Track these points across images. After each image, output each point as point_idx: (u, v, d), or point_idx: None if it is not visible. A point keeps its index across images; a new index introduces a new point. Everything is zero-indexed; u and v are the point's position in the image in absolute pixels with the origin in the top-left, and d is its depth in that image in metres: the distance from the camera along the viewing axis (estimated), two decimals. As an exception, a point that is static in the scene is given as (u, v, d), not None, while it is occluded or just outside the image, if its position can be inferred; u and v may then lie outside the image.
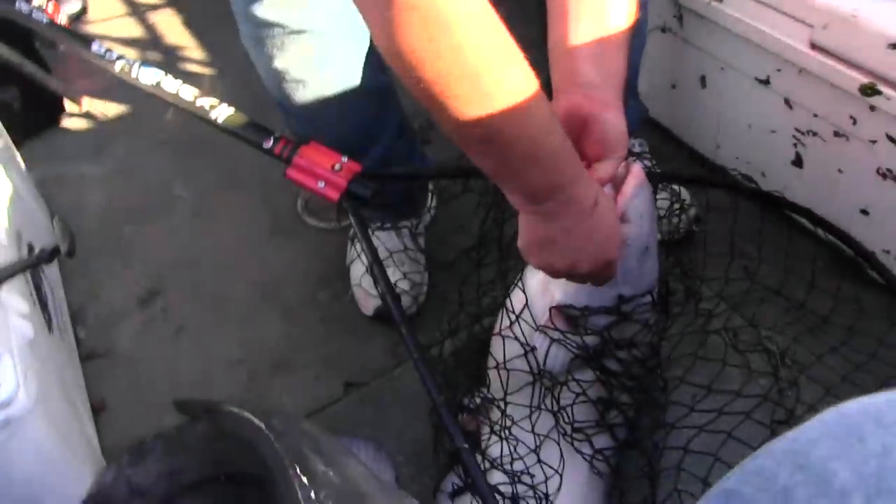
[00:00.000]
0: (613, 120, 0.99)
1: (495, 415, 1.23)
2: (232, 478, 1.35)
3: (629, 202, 1.04)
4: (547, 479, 1.15)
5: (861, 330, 1.43)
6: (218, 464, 1.33)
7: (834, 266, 1.54)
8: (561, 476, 1.15)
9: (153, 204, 1.91)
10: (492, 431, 1.22)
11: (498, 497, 1.02)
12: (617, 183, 1.05)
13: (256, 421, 1.23)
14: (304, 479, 1.12)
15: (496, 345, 1.23)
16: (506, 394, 1.25)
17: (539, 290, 1.16)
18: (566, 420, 1.17)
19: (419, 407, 1.42)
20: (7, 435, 1.10)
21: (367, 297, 1.54)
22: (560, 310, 1.13)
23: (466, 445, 1.05)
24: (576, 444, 1.19)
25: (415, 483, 1.32)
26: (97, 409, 1.49)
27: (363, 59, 1.34)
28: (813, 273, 1.49)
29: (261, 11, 1.22)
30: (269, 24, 1.24)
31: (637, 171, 1.06)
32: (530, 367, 1.18)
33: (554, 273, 1.00)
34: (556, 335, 1.13)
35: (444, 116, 0.78)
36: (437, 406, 1.09)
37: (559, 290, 1.13)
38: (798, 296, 1.50)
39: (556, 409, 1.18)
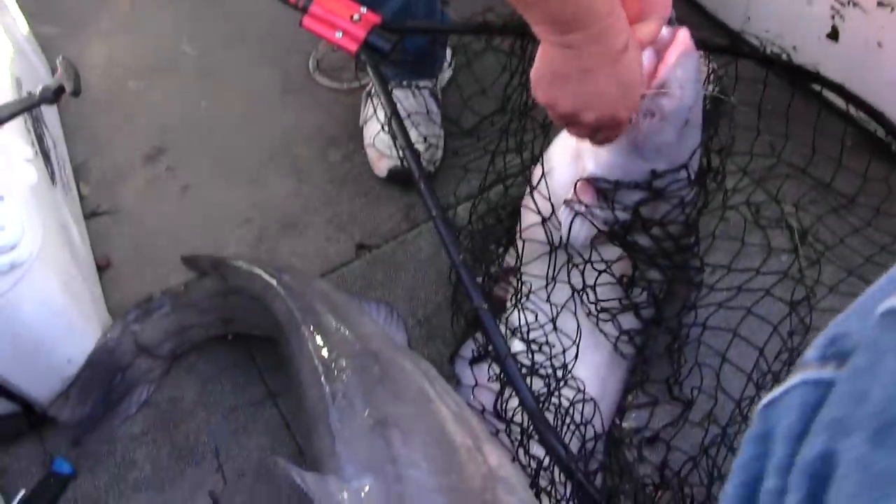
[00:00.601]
0: None
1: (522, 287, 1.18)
2: (240, 337, 1.32)
3: (671, 71, 0.95)
4: (565, 350, 1.11)
5: (888, 210, 1.39)
6: (226, 322, 1.29)
7: (863, 145, 1.46)
8: (578, 346, 1.11)
9: (159, 60, 1.80)
10: (513, 301, 1.17)
11: (515, 362, 0.97)
12: (659, 48, 0.96)
13: (267, 276, 1.18)
14: (317, 336, 1.08)
15: (523, 214, 1.18)
16: (520, 263, 1.20)
17: (569, 160, 1.09)
18: (590, 299, 1.12)
19: (433, 271, 1.37)
20: (13, 281, 1.04)
21: (381, 158, 1.47)
22: (590, 182, 1.06)
23: (486, 306, 1.00)
24: (600, 323, 1.15)
25: (426, 347, 1.29)
26: (101, 267, 1.44)
27: None
28: (841, 151, 1.42)
29: None
30: None
31: (683, 36, 0.96)
32: (549, 239, 1.13)
33: (555, 114, 0.91)
34: (581, 208, 1.07)
35: None
36: (455, 265, 1.03)
37: (591, 161, 1.06)
38: (824, 175, 1.43)
39: (581, 286, 1.13)
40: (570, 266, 1.13)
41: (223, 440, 1.22)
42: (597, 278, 1.12)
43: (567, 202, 1.08)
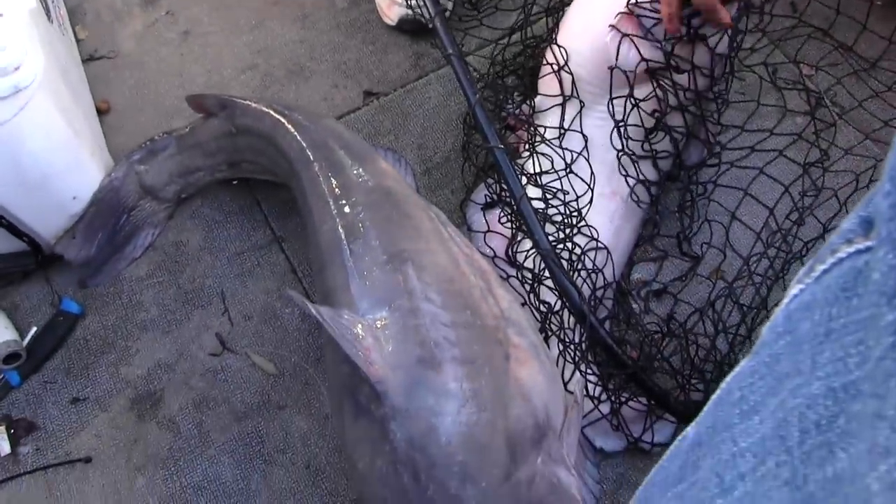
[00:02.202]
0: None
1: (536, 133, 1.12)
2: (245, 182, 1.26)
3: None
4: (578, 197, 1.06)
5: (911, 73, 1.32)
6: (232, 166, 1.23)
7: (891, 8, 1.38)
8: (592, 191, 1.06)
9: None
10: (528, 148, 1.11)
11: (528, 203, 0.92)
12: None
13: (276, 114, 1.11)
14: (329, 171, 1.02)
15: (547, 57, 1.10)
16: (533, 108, 1.13)
17: None
18: (622, 134, 1.07)
19: (441, 119, 1.31)
20: (17, 107, 0.98)
21: (391, 6, 1.37)
22: (632, 13, 0.99)
23: (501, 145, 0.94)
24: (620, 169, 1.09)
25: (434, 195, 1.24)
26: (101, 111, 1.36)
27: None
28: (867, 14, 1.33)
29: None
30: None
31: None
32: (571, 82, 1.06)
33: None
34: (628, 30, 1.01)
35: None
36: (471, 103, 0.96)
37: None
38: (847, 38, 1.34)
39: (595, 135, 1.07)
40: (582, 114, 1.07)
41: (229, 284, 1.18)
42: (628, 114, 1.05)
43: (613, 26, 1.02)
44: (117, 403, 1.10)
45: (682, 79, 1.06)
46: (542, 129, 1.11)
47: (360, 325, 0.82)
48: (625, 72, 1.03)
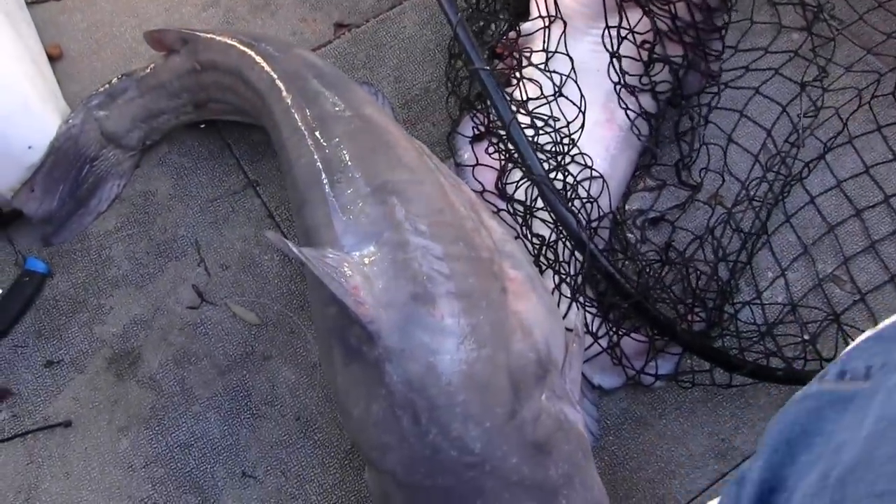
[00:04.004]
0: None
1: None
2: (214, 125, 1.20)
3: None
4: (569, 122, 1.00)
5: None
6: (199, 106, 1.16)
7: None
8: (584, 115, 1.01)
9: None
10: (516, 75, 1.05)
11: (518, 127, 0.88)
12: None
13: (241, 45, 1.04)
14: (303, 102, 0.96)
15: None
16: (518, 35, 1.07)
17: None
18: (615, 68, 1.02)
19: (418, 50, 1.25)
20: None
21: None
22: None
23: (487, 67, 0.88)
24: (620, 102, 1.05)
25: (415, 129, 1.18)
26: (53, 57, 1.28)
27: None
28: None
29: None
30: None
31: None
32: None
33: None
34: None
35: None
36: (452, 24, 0.91)
37: None
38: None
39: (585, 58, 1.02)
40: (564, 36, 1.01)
41: (203, 233, 1.13)
42: (619, 45, 1.00)
43: None
44: (94, 364, 1.05)
45: (681, 7, 1.01)
46: (529, 53, 1.06)
47: (346, 263, 0.78)
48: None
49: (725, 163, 1.15)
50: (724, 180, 1.13)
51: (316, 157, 0.89)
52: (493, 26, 1.17)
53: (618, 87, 1.03)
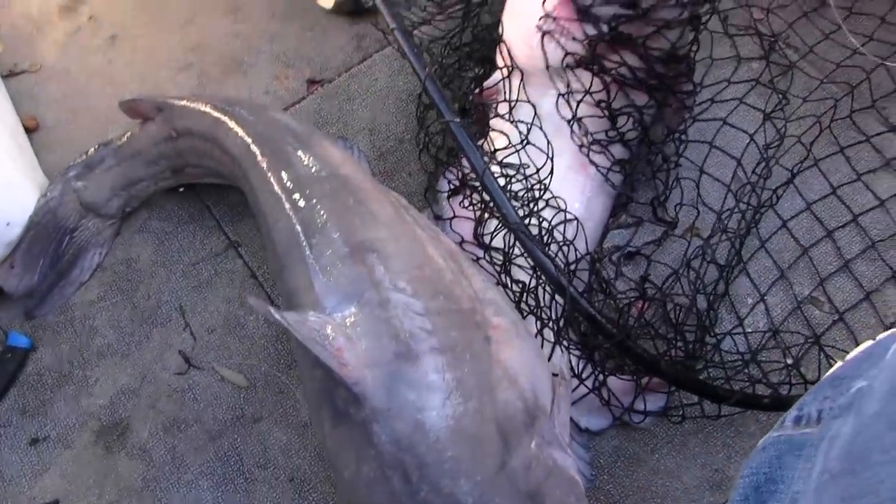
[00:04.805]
0: None
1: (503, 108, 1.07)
2: (193, 189, 1.20)
3: None
4: (538, 169, 1.01)
5: (860, 10, 1.29)
6: (176, 172, 1.16)
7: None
8: (552, 160, 1.01)
9: None
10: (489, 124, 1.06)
11: (491, 176, 0.88)
12: None
13: (215, 111, 1.04)
14: (279, 165, 0.96)
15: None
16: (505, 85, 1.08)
17: None
18: (580, 131, 1.03)
19: (390, 101, 1.26)
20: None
21: (326, -12, 1.31)
22: None
23: (457, 119, 0.89)
24: (590, 154, 1.06)
25: (391, 181, 1.18)
26: (30, 129, 1.29)
27: None
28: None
29: None
30: None
31: None
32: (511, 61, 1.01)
33: None
34: (552, 26, 0.96)
35: None
36: (422, 79, 0.91)
37: None
38: (794, -23, 1.32)
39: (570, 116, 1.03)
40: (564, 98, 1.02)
41: (187, 297, 1.12)
42: (576, 109, 1.01)
43: (540, 21, 0.97)
44: (81, 438, 1.03)
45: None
46: (496, 105, 1.07)
47: (328, 326, 0.77)
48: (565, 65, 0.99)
49: (699, 194, 1.16)
50: (698, 212, 1.14)
51: (293, 220, 0.88)
52: (464, 75, 1.18)
53: (582, 149, 1.04)
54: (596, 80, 1.01)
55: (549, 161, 1.01)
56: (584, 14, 0.97)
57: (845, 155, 1.20)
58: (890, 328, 1.08)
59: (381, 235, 0.86)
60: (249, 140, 0.98)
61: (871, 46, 1.26)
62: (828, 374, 0.54)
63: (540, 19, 0.98)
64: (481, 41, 1.17)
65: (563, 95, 1.02)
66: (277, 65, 1.31)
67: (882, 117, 1.23)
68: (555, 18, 0.98)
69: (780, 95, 1.22)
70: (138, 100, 1.12)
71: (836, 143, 1.21)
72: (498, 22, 1.09)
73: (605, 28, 0.98)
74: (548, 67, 1.01)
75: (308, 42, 1.32)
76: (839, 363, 0.54)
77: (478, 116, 1.11)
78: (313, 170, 0.93)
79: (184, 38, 1.35)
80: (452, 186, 1.07)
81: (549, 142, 1.03)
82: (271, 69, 1.31)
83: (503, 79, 1.05)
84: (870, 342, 0.56)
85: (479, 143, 1.07)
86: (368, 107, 1.25)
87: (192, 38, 1.35)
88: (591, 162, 1.06)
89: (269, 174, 0.94)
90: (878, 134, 1.21)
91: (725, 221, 1.12)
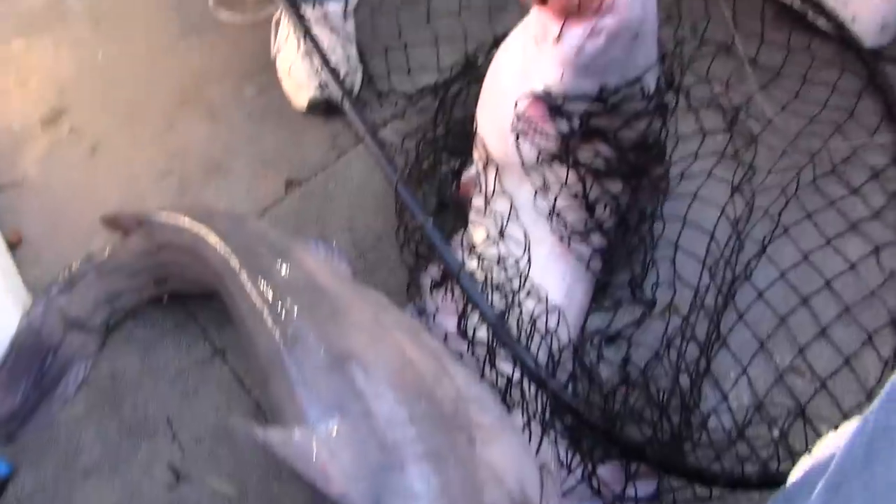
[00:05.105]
0: None
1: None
2: (177, 297, 1.21)
3: None
4: (517, 261, 1.03)
5: (814, 79, 1.34)
6: (159, 283, 1.17)
7: (783, 17, 1.42)
8: (529, 252, 1.03)
9: (44, 14, 1.61)
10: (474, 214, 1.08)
11: (471, 277, 0.90)
12: None
13: (195, 225, 1.06)
14: (258, 278, 0.97)
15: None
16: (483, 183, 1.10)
17: (518, 75, 1.01)
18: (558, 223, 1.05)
19: (368, 197, 1.28)
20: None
21: (299, 90, 1.35)
22: (539, 98, 0.98)
23: (430, 221, 0.91)
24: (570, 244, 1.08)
25: (372, 277, 1.19)
26: (13, 244, 1.30)
27: None
28: (762, 26, 1.36)
29: None
30: None
31: None
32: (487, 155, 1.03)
33: None
34: (524, 127, 0.99)
35: None
36: (394, 184, 0.94)
37: (537, 76, 0.98)
38: (749, 51, 1.36)
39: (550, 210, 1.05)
40: (491, 180, 1.04)
41: (174, 407, 1.12)
42: (555, 199, 1.03)
43: (514, 123, 1.00)
44: (68, 568, 1.01)
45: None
46: (476, 197, 1.09)
47: (312, 441, 0.77)
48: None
49: (675, 271, 1.17)
50: (675, 290, 1.15)
51: (273, 332, 0.89)
52: (441, 167, 1.20)
53: (562, 239, 1.06)
54: (571, 172, 1.04)
55: (526, 253, 1.02)
56: (555, 112, 1.00)
57: (813, 220, 1.23)
58: (871, 393, 1.10)
59: (361, 344, 0.87)
60: (228, 252, 1.00)
61: (826, 113, 1.32)
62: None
63: (513, 121, 1.01)
64: (455, 134, 1.20)
65: (539, 190, 1.04)
66: (256, 166, 1.33)
67: (843, 181, 1.26)
68: (528, 119, 1.00)
69: (747, 167, 1.25)
70: (119, 214, 1.14)
71: (804, 209, 1.23)
72: (470, 116, 1.13)
73: (576, 124, 1.00)
74: (523, 164, 1.03)
75: (284, 142, 1.35)
76: (790, 479, 0.55)
77: (457, 209, 1.13)
78: (291, 281, 0.95)
79: (163, 145, 1.38)
80: (434, 281, 1.09)
81: (525, 234, 1.05)
82: (250, 171, 1.33)
83: (479, 172, 1.07)
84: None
85: (459, 235, 1.09)
86: (346, 205, 1.27)
87: (171, 144, 1.38)
88: (571, 250, 1.08)
89: (249, 287, 0.95)
90: (841, 198, 1.24)
91: (702, 298, 1.14)
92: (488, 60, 1.10)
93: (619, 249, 1.15)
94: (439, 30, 1.37)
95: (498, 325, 0.87)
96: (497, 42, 1.15)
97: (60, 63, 1.53)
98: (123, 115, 1.44)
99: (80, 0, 1.63)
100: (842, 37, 1.37)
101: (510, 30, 1.06)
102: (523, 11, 1.02)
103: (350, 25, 1.39)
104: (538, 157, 1.02)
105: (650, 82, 1.03)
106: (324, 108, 1.33)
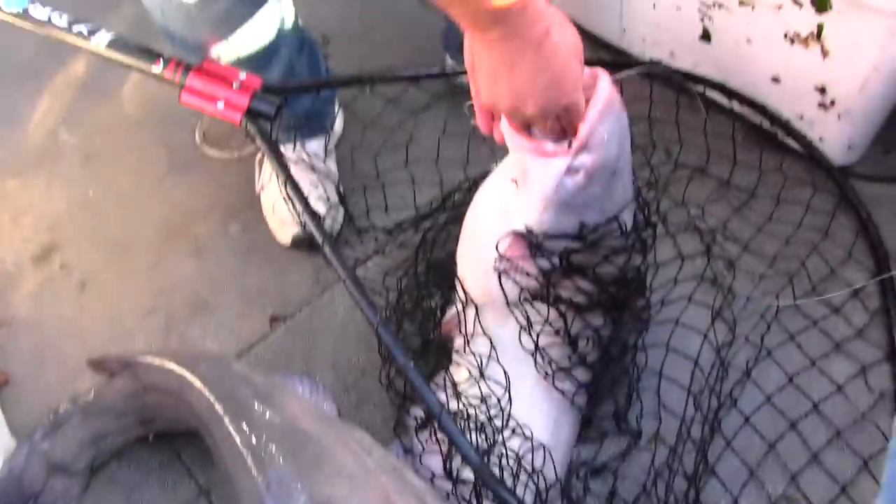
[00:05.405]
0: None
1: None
2: (162, 437, 1.23)
3: (593, 127, 0.92)
4: (499, 399, 1.06)
5: (787, 198, 1.40)
6: (145, 423, 1.20)
7: (753, 138, 1.49)
8: (509, 392, 1.06)
9: (38, 152, 1.71)
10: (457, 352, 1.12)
11: (454, 418, 0.93)
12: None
13: (180, 369, 1.10)
14: (242, 424, 1.00)
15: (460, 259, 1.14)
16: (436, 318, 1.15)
17: (497, 216, 1.04)
18: (543, 360, 1.08)
19: (352, 332, 1.32)
20: None
21: (283, 226, 1.41)
22: (519, 236, 1.02)
23: (411, 364, 0.95)
24: (554, 381, 1.10)
25: (358, 412, 1.23)
26: (0, 384, 1.33)
27: None
28: (734, 148, 1.43)
29: None
30: None
31: (604, 90, 0.93)
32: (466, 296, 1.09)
33: (499, 112, 0.92)
34: (505, 265, 1.03)
35: None
36: (375, 327, 0.98)
37: (517, 216, 1.01)
38: (723, 173, 1.44)
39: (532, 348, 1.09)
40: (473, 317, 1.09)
41: (159, 549, 1.13)
42: (538, 336, 1.07)
43: (496, 262, 1.04)
44: None
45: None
46: (458, 338, 1.13)
47: None
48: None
49: (660, 400, 1.20)
50: (661, 420, 1.17)
51: (258, 480, 0.92)
52: (424, 304, 1.25)
53: (547, 376, 1.09)
54: (553, 309, 1.07)
55: (507, 393, 1.06)
56: (536, 250, 1.04)
57: (796, 341, 1.26)
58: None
59: (344, 491, 0.89)
60: (212, 398, 1.03)
61: (802, 233, 1.36)
62: None
63: (495, 261, 1.04)
64: (437, 272, 1.26)
65: (523, 328, 1.08)
66: (241, 302, 1.39)
67: (824, 300, 1.29)
68: (509, 258, 1.04)
69: (725, 293, 1.30)
70: (105, 357, 1.18)
71: (786, 332, 1.27)
72: (451, 255, 1.17)
73: (556, 261, 1.04)
74: (508, 303, 1.07)
75: (269, 278, 1.41)
76: None
77: (440, 347, 1.17)
78: (275, 426, 0.98)
79: (150, 282, 1.44)
80: (419, 421, 1.12)
81: (506, 373, 1.08)
82: (235, 307, 1.38)
83: (459, 312, 1.12)
84: None
85: (442, 374, 1.13)
86: (331, 340, 1.31)
87: (158, 280, 1.44)
88: (556, 387, 1.11)
89: (233, 433, 0.98)
90: (823, 318, 1.27)
91: (689, 427, 1.16)
92: (466, 200, 1.16)
93: (602, 381, 1.17)
94: (416, 173, 1.43)
95: (482, 468, 0.90)
96: (474, 182, 1.21)
97: (52, 200, 1.61)
98: (112, 251, 1.50)
99: (74, 135, 1.73)
100: (812, 156, 1.42)
101: (485, 173, 1.11)
102: (497, 159, 1.08)
103: (331, 164, 1.48)
104: (520, 295, 1.06)
105: (628, 218, 1.06)
106: (307, 243, 1.39)
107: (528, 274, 1.03)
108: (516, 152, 0.98)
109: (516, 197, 1.01)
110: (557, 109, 0.88)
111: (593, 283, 1.07)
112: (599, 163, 0.95)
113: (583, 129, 0.92)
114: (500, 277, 1.04)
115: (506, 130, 0.96)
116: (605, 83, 0.93)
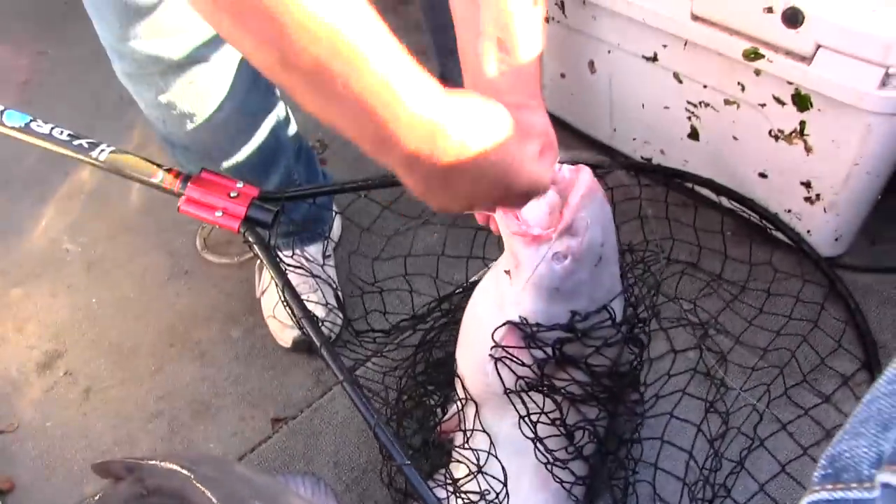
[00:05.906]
0: (530, 118, 0.93)
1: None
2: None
3: (576, 213, 0.99)
4: (497, 493, 1.14)
5: (778, 290, 1.50)
6: (149, 511, 1.28)
7: (743, 232, 1.59)
8: (507, 489, 1.15)
9: (42, 262, 1.83)
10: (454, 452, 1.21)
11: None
12: (562, 189, 1.01)
13: (184, 472, 1.19)
14: (244, 526, 1.09)
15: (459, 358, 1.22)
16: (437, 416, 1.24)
17: (492, 308, 1.12)
18: (543, 450, 1.15)
19: (352, 432, 1.41)
20: None
21: (283, 329, 1.52)
22: (513, 327, 1.09)
23: (408, 462, 1.04)
24: (553, 470, 1.17)
25: (360, 510, 1.31)
26: (5, 491, 1.41)
27: (250, 85, 1.32)
28: (724, 243, 1.54)
29: (139, 46, 1.19)
30: (148, 59, 1.21)
31: (585, 177, 1.00)
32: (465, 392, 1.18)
33: (457, 212, 0.88)
34: (500, 353, 1.10)
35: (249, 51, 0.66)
36: (372, 428, 1.07)
37: (513, 308, 1.08)
38: (714, 267, 1.54)
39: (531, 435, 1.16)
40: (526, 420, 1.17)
41: None
42: (536, 425, 1.14)
43: (492, 350, 1.11)
44: None
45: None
46: (458, 435, 1.22)
47: None
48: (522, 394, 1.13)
49: (655, 491, 1.28)
50: (658, 512, 1.25)
51: (259, 585, 1.00)
52: (424, 401, 1.34)
53: (546, 466, 1.16)
54: (549, 400, 1.14)
55: (504, 488, 1.14)
56: (529, 339, 1.11)
57: (788, 431, 1.34)
58: None
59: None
60: (214, 498, 1.12)
61: (792, 324, 1.45)
62: None
63: (491, 348, 1.10)
64: (436, 369, 1.35)
65: (522, 418, 1.16)
66: (243, 405, 1.48)
67: (815, 389, 1.38)
68: (504, 348, 1.11)
69: (718, 386, 1.39)
70: (109, 462, 1.27)
71: (778, 421, 1.36)
72: (450, 355, 1.26)
73: (549, 351, 1.13)
74: (506, 391, 1.13)
75: (271, 380, 1.51)
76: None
77: (440, 445, 1.26)
78: (277, 526, 1.06)
79: (154, 387, 1.54)
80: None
81: (504, 469, 1.16)
82: (238, 410, 1.47)
83: (459, 411, 1.21)
84: None
85: (443, 471, 1.21)
86: (332, 440, 1.40)
87: (161, 385, 1.53)
88: (555, 478, 1.18)
89: (236, 534, 1.07)
90: (814, 406, 1.35)
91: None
92: (463, 301, 1.25)
93: (599, 473, 1.25)
94: (413, 280, 1.52)
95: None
96: (471, 285, 1.32)
97: (56, 308, 1.72)
98: (116, 357, 1.60)
99: (77, 243, 1.86)
100: (801, 248, 1.52)
101: (479, 276, 1.23)
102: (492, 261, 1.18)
103: (329, 269, 1.59)
104: (516, 384, 1.12)
105: (618, 308, 1.13)
106: (308, 346, 1.49)
107: (523, 363, 1.10)
108: (507, 238, 1.06)
109: (509, 288, 1.08)
110: (516, 196, 0.86)
111: (587, 373, 1.14)
112: (585, 246, 1.01)
113: (567, 214, 1.00)
114: (496, 364, 1.11)
115: (497, 216, 1.04)
116: (585, 173, 1.01)
